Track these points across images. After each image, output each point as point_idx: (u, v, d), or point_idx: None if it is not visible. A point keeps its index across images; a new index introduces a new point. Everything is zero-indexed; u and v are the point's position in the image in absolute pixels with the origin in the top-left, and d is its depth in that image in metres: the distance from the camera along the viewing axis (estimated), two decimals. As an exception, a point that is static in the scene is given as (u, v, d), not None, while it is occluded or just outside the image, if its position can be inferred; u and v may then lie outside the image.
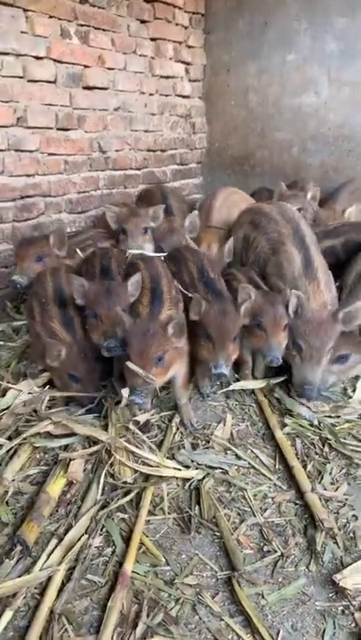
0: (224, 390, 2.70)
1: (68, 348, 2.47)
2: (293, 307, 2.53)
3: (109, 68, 4.12)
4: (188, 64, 5.02)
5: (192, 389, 2.75)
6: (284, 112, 5.01)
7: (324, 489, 2.10)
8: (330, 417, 2.57)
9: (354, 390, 2.78)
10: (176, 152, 5.12)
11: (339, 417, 2.56)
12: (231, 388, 2.69)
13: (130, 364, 2.14)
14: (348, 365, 2.64)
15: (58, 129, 3.80)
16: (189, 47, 5.00)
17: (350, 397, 2.72)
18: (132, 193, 4.58)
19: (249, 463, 2.25)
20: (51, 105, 3.71)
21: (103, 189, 4.32)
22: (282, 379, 2.71)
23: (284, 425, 2.49)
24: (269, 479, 2.17)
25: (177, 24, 4.76)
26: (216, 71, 5.26)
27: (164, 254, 3.12)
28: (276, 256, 2.82)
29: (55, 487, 2.03)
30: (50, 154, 3.77)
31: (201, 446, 2.33)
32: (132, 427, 2.28)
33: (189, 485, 2.11)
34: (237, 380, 2.79)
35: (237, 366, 2.82)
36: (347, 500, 2.06)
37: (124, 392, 2.15)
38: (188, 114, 5.16)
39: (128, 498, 2.02)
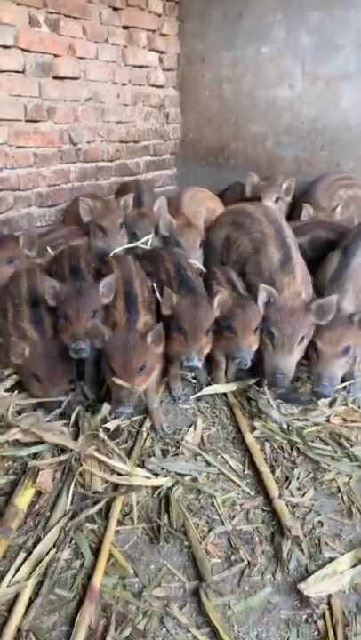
0: (197, 395, 2.71)
1: (32, 346, 2.46)
2: (263, 299, 2.56)
3: (80, 58, 4.00)
4: (161, 53, 4.92)
5: (163, 392, 2.76)
6: (258, 104, 4.96)
7: (292, 495, 2.14)
8: (298, 420, 2.61)
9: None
10: (149, 143, 5.04)
11: (307, 420, 2.60)
12: (203, 392, 2.70)
13: (116, 380, 2.17)
14: (350, 355, 2.64)
15: (27, 121, 3.69)
16: (163, 35, 4.90)
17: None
18: (104, 185, 4.51)
19: (218, 469, 2.27)
20: (19, 96, 3.59)
21: (74, 182, 4.23)
22: (254, 380, 2.74)
23: (254, 428, 2.52)
24: (238, 485, 2.20)
25: (150, 12, 4.65)
26: (190, 61, 5.17)
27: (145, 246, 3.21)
28: (257, 255, 2.84)
29: (24, 499, 2.02)
30: (19, 146, 3.67)
31: (171, 452, 2.35)
32: (102, 434, 2.28)
33: (159, 494, 2.13)
34: (210, 383, 2.80)
35: (210, 367, 2.84)
36: (313, 505, 2.10)
37: (105, 409, 2.18)
38: (161, 104, 5.07)
39: (97, 507, 2.02)
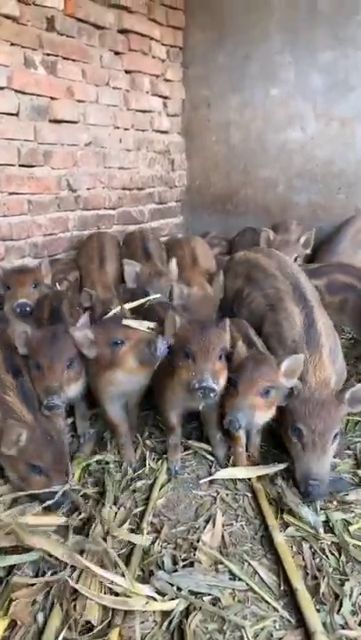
0: (206, 480, 2.23)
1: (29, 430, 1.99)
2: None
3: (79, 101, 3.77)
4: (165, 98, 4.72)
5: (165, 471, 2.30)
6: (268, 148, 4.71)
7: (345, 622, 1.62)
8: (339, 510, 2.10)
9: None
10: (154, 190, 4.76)
11: (353, 511, 2.09)
12: (216, 476, 2.22)
13: None
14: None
15: (20, 165, 3.40)
16: (167, 81, 4.72)
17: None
18: (105, 234, 4.18)
19: (247, 584, 1.76)
20: (12, 139, 3.32)
21: (73, 231, 3.91)
22: (282, 466, 2.24)
23: (286, 524, 2.01)
24: (274, 609, 1.68)
25: (153, 57, 4.48)
26: (196, 106, 4.98)
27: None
28: (274, 314, 2.43)
29: (-10, 636, 1.51)
30: (11, 193, 3.36)
31: (182, 559, 1.84)
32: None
33: (169, 622, 1.61)
34: (228, 464, 2.33)
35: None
36: (376, 639, 1.57)
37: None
38: (166, 150, 4.83)
39: (88, 648, 1.51)
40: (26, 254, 3.55)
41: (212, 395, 1.97)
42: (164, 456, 2.39)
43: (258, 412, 2.09)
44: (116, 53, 4.08)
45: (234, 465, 2.34)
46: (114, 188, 4.22)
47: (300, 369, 2.15)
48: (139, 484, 2.24)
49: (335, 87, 4.30)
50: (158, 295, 2.82)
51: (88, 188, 3.97)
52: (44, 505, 1.97)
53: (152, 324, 2.22)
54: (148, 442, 2.51)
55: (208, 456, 2.44)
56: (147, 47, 4.36)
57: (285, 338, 2.33)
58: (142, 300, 2.68)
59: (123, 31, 4.08)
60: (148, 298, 2.72)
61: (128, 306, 2.61)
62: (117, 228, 4.33)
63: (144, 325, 2.21)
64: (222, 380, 2.05)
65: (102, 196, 4.12)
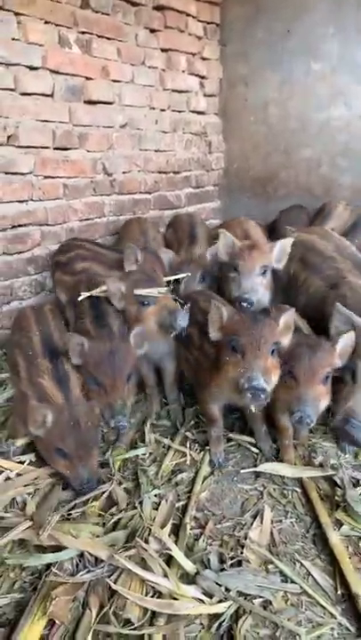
0: (250, 470, 2.11)
1: (56, 413, 1.91)
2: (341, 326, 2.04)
3: (115, 81, 3.65)
4: (202, 77, 4.55)
5: (209, 466, 2.18)
6: (309, 127, 4.49)
7: None
8: None
9: None
10: (191, 174, 4.61)
11: None
12: (260, 469, 2.09)
13: None
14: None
15: (55, 148, 3.31)
16: (204, 59, 4.54)
17: None
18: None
19: (300, 587, 1.63)
20: (47, 121, 3.23)
21: (109, 216, 3.81)
22: (332, 472, 2.08)
23: (340, 523, 1.87)
24: (331, 615, 1.54)
25: (190, 34, 4.31)
26: (233, 85, 4.79)
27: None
28: (338, 289, 2.33)
29: (31, 635, 1.43)
30: (46, 177, 3.28)
31: (230, 557, 1.72)
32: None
33: (218, 626, 1.50)
34: (275, 457, 2.20)
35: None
36: None
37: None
38: (203, 131, 4.67)
39: (131, 653, 1.41)
40: (62, 240, 3.46)
41: (262, 396, 1.78)
42: (207, 447, 2.28)
43: (323, 402, 1.94)
44: (152, 31, 3.93)
45: (281, 459, 2.20)
46: (150, 171, 4.09)
47: (353, 346, 2.01)
48: (182, 476, 2.13)
49: (383, 59, 4.04)
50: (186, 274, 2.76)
51: (124, 172, 3.86)
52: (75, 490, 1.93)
53: (163, 289, 2.25)
54: (188, 434, 2.40)
55: (252, 448, 2.31)
56: (183, 24, 4.19)
57: (351, 305, 2.16)
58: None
59: (158, 7, 3.93)
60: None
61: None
62: (154, 213, 4.21)
63: (155, 291, 2.23)
64: (274, 378, 1.87)
65: (138, 179, 4.00)
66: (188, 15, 4.22)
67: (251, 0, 4.52)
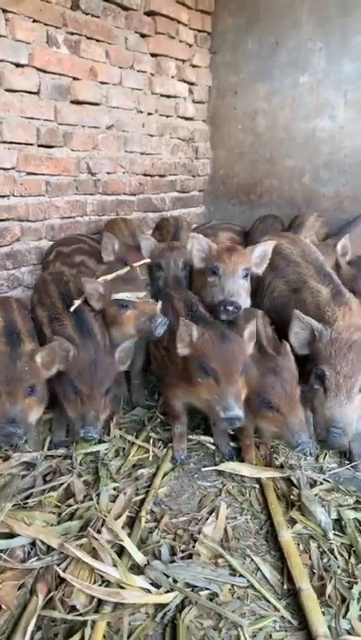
0: (210, 468, 2.14)
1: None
2: (297, 332, 2.05)
3: (102, 83, 3.69)
4: (192, 84, 4.61)
5: (171, 462, 2.21)
6: (295, 137, 4.56)
7: (351, 627, 1.50)
8: (356, 509, 1.98)
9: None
10: (176, 178, 4.66)
11: (367, 509, 1.96)
12: (220, 467, 2.13)
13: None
14: None
15: (39, 145, 3.34)
16: (194, 66, 4.60)
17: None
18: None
19: (248, 581, 1.65)
20: (32, 118, 3.25)
21: (91, 215, 3.83)
22: (292, 473, 2.11)
23: (293, 521, 1.90)
24: (275, 609, 1.57)
25: (181, 41, 4.37)
26: (222, 93, 4.85)
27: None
28: (299, 294, 2.34)
29: (-27, 618, 1.45)
30: (29, 173, 3.30)
31: (181, 550, 1.74)
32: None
33: (163, 616, 1.52)
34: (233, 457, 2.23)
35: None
36: (384, 648, 1.45)
37: None
38: (190, 137, 4.72)
39: (76, 639, 1.42)
40: (42, 236, 3.48)
41: (238, 423, 1.81)
42: (170, 445, 2.30)
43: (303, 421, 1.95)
44: (142, 36, 3.99)
45: (242, 459, 2.23)
46: (135, 173, 4.13)
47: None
48: (143, 471, 2.15)
49: (368, 74, 4.13)
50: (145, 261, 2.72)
51: (108, 172, 3.89)
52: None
53: (142, 294, 2.22)
54: (152, 434, 2.42)
55: (214, 447, 2.34)
56: (174, 31, 4.25)
57: (310, 308, 2.19)
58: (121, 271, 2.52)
59: (149, 13, 3.98)
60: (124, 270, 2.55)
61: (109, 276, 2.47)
62: (137, 215, 4.24)
63: (133, 296, 2.20)
64: (244, 396, 1.90)
65: (122, 181, 4.03)
66: (179, 22, 4.28)
67: (242, 11, 4.60)
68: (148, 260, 2.70)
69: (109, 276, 2.38)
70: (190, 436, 2.38)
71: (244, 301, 2.41)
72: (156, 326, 2.11)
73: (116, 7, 3.70)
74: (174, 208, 4.70)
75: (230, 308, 2.27)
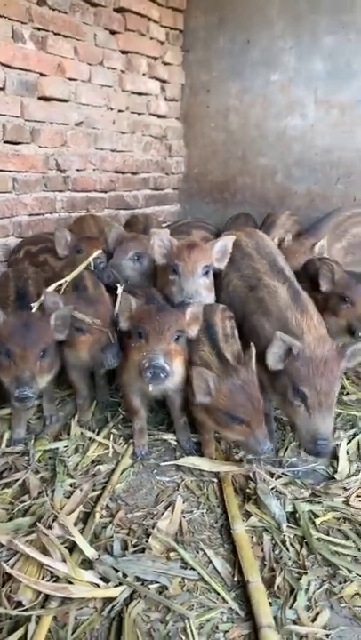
0: (168, 464, 2.14)
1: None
2: (279, 352, 2.02)
3: (71, 79, 3.67)
4: (164, 82, 4.61)
5: (131, 458, 2.21)
6: (267, 135, 4.58)
7: (298, 618, 1.51)
8: (310, 502, 1.99)
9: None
10: (149, 175, 4.66)
11: (321, 502, 1.98)
12: (179, 462, 2.13)
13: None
14: None
15: (5, 142, 3.31)
16: (166, 64, 4.60)
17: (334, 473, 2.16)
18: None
19: (198, 574, 1.66)
20: (-3, 114, 3.23)
21: (61, 212, 3.82)
22: (249, 468, 2.12)
23: (248, 514, 1.91)
24: (224, 600, 1.57)
25: (152, 38, 4.36)
26: (195, 91, 4.86)
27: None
28: (255, 292, 2.33)
29: None
30: (-6, 169, 3.28)
31: (133, 545, 1.74)
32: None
33: (110, 610, 1.52)
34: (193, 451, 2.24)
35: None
36: (329, 637, 1.46)
37: None
38: (163, 135, 4.72)
39: (18, 634, 1.41)
40: (10, 233, 3.46)
41: (162, 375, 1.86)
42: (131, 441, 2.30)
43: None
44: (112, 32, 3.97)
45: (202, 453, 2.24)
46: (105, 170, 4.12)
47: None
48: (101, 467, 2.15)
49: (337, 73, 4.16)
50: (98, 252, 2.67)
51: (78, 169, 3.87)
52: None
53: (98, 322, 2.15)
54: (114, 430, 2.41)
55: (175, 442, 2.35)
56: (144, 28, 4.25)
57: (270, 308, 2.21)
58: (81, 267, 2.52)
59: (119, 10, 3.97)
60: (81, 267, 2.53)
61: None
62: (109, 212, 4.23)
63: (90, 320, 2.14)
64: (177, 363, 1.96)
65: (93, 178, 4.02)
66: (150, 19, 4.28)
67: (214, 10, 4.61)
68: (100, 251, 2.66)
69: (67, 278, 2.38)
70: (151, 432, 2.38)
71: (204, 300, 2.39)
72: (108, 358, 2.08)
73: (84, 3, 3.69)
74: (148, 206, 4.69)
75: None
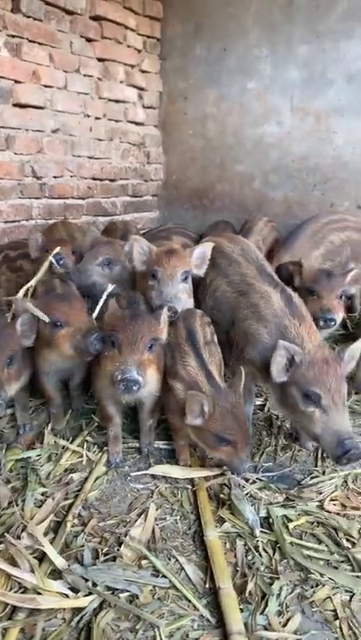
0: (139, 473, 2.13)
1: None
2: (282, 362, 2.02)
3: (46, 86, 3.67)
4: (141, 89, 4.63)
5: (105, 466, 2.19)
6: (244, 142, 4.63)
7: (268, 623, 1.50)
8: (284, 506, 1.99)
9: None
10: (128, 182, 4.66)
11: (294, 507, 1.98)
12: (150, 471, 2.11)
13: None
14: None
15: (-20, 149, 3.30)
16: (143, 72, 4.62)
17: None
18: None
19: (170, 581, 1.64)
20: (-29, 121, 3.21)
21: (38, 219, 3.80)
22: (222, 472, 2.11)
23: (222, 520, 1.90)
24: (195, 608, 1.56)
25: (129, 46, 4.39)
26: (173, 99, 4.89)
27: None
28: (247, 297, 2.33)
29: None
30: (-32, 176, 3.25)
31: (104, 553, 1.72)
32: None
33: (79, 620, 1.49)
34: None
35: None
36: (300, 641, 1.46)
37: None
38: (141, 142, 4.74)
39: (-17, 647, 1.39)
40: (-15, 240, 3.44)
41: (134, 387, 1.86)
42: (105, 448, 2.28)
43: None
44: (88, 40, 3.98)
45: (177, 459, 2.23)
46: (83, 177, 4.11)
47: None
48: (74, 476, 2.12)
49: (312, 81, 4.23)
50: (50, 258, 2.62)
51: (55, 176, 3.86)
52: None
53: (47, 318, 2.09)
54: (89, 438, 2.39)
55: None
56: (121, 36, 4.27)
57: (265, 314, 2.21)
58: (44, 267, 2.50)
59: (95, 18, 3.99)
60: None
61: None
62: (87, 219, 4.22)
63: (41, 315, 2.09)
64: (151, 372, 1.95)
65: (70, 184, 4.01)
66: (126, 27, 4.30)
67: (190, 18, 4.65)
68: (59, 248, 2.64)
69: (31, 282, 2.36)
70: (126, 440, 2.37)
71: (184, 304, 2.40)
72: (91, 343, 2.00)
73: (59, 11, 3.70)
74: (126, 212, 4.70)
75: (168, 314, 2.25)
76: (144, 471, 2.15)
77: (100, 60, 4.12)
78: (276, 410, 2.70)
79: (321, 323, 2.53)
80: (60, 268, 2.58)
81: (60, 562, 1.64)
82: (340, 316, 2.68)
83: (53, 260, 2.55)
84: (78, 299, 2.26)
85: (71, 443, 2.33)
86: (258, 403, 2.77)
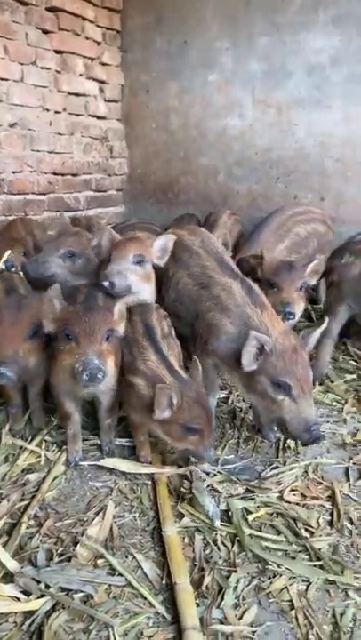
0: (86, 463, 2.14)
1: None
2: (254, 351, 2.02)
3: (2, 79, 3.58)
4: (102, 82, 4.56)
5: (64, 464, 2.15)
6: (207, 135, 4.61)
7: (224, 617, 1.49)
8: (244, 499, 1.99)
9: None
10: (91, 177, 4.60)
11: (253, 499, 1.97)
12: (101, 463, 2.09)
13: None
14: None
15: None
16: (104, 65, 4.56)
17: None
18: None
19: (126, 579, 1.62)
20: None
21: (-3, 215, 3.71)
22: (176, 470, 2.10)
23: (181, 515, 1.88)
24: (151, 605, 1.54)
25: (87, 38, 4.31)
26: (135, 92, 4.84)
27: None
28: (209, 290, 2.33)
29: None
30: None
31: (59, 554, 1.68)
32: None
33: (30, 624, 1.46)
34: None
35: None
36: (254, 634, 1.45)
37: None
38: (104, 136, 4.67)
39: None
40: None
41: (99, 376, 1.85)
42: (65, 447, 2.24)
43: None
44: (45, 32, 3.90)
45: (138, 455, 2.21)
46: (43, 172, 4.03)
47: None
48: (30, 476, 2.08)
49: (272, 73, 4.22)
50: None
51: (13, 172, 3.77)
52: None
53: None
54: (48, 437, 2.34)
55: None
56: (79, 28, 4.19)
57: (228, 305, 2.21)
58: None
59: (52, 9, 3.90)
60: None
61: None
62: (49, 214, 4.15)
63: None
64: (110, 363, 1.93)
65: (30, 180, 3.93)
66: (84, 19, 4.22)
67: (150, 11, 4.60)
68: (8, 253, 2.62)
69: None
70: (87, 437, 2.33)
71: (134, 285, 2.36)
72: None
73: (13, 2, 3.62)
74: (90, 207, 4.63)
75: (105, 284, 2.24)
76: (95, 462, 2.12)
77: (57, 52, 4.04)
78: (241, 402, 2.71)
79: (280, 316, 2.53)
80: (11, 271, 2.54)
81: (11, 565, 1.60)
82: (300, 308, 2.69)
83: (4, 267, 2.50)
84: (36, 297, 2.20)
85: (30, 443, 2.28)
86: (222, 395, 2.77)
